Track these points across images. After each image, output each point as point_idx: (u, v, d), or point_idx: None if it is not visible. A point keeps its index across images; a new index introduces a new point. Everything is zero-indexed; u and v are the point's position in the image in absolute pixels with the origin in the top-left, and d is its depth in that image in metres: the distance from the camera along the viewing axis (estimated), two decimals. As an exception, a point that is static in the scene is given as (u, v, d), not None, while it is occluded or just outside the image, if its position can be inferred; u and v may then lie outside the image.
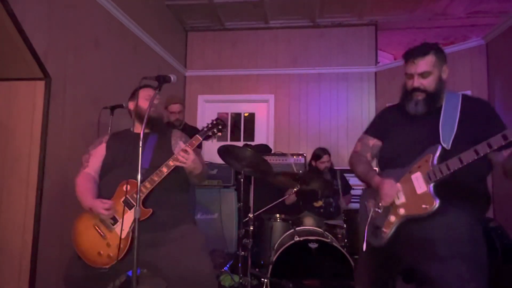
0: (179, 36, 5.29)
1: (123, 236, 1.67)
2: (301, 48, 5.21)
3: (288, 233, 2.82)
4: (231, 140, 5.29)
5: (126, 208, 1.74)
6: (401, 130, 1.70)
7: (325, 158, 3.61)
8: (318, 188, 3.21)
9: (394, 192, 1.58)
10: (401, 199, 1.58)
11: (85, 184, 1.84)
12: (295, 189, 2.97)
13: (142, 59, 4.08)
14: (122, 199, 1.75)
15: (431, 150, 1.53)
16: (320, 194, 3.37)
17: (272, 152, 4.66)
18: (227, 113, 5.39)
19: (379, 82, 5.00)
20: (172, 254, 1.74)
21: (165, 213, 1.78)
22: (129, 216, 1.70)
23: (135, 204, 1.65)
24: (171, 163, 1.74)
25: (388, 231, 1.59)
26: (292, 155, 4.33)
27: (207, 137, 1.84)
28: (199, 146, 3.21)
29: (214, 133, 1.83)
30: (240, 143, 4.99)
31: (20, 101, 2.53)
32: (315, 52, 5.18)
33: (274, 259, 2.47)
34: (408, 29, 5.34)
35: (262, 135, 5.22)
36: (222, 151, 2.78)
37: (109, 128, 2.80)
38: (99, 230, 1.75)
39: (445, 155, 1.49)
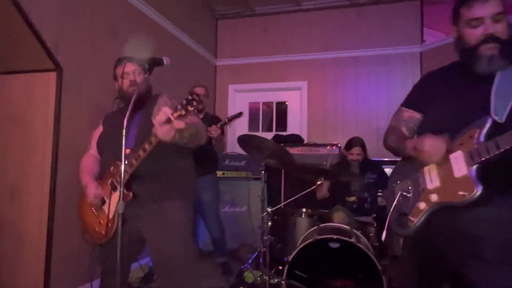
0: (209, 25, 5.15)
1: (110, 216, 1.71)
2: (337, 30, 4.82)
3: (311, 230, 2.58)
4: (263, 130, 5.09)
5: (112, 190, 1.76)
6: (445, 100, 1.39)
7: (354, 150, 3.25)
8: (350, 183, 2.94)
9: (441, 146, 1.26)
10: (435, 183, 1.30)
11: (86, 163, 1.93)
12: (319, 182, 2.70)
13: (167, 50, 3.98)
14: (109, 181, 1.78)
15: (478, 123, 1.21)
16: (352, 189, 3.07)
17: (305, 142, 4.40)
18: (258, 103, 5.18)
19: (426, 64, 4.46)
20: (151, 233, 1.73)
21: (155, 185, 1.72)
22: (116, 197, 1.73)
23: (117, 186, 1.71)
24: (153, 139, 1.59)
25: (415, 220, 1.32)
26: (325, 145, 4.02)
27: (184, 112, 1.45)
28: (222, 132, 3.10)
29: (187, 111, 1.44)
30: (272, 134, 4.78)
31: (36, 93, 2.54)
32: (352, 34, 4.76)
33: (290, 259, 2.25)
34: (460, 2, 4.71)
35: (295, 125, 4.95)
36: (242, 141, 2.61)
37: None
38: (92, 208, 1.85)
39: (497, 131, 1.17)
